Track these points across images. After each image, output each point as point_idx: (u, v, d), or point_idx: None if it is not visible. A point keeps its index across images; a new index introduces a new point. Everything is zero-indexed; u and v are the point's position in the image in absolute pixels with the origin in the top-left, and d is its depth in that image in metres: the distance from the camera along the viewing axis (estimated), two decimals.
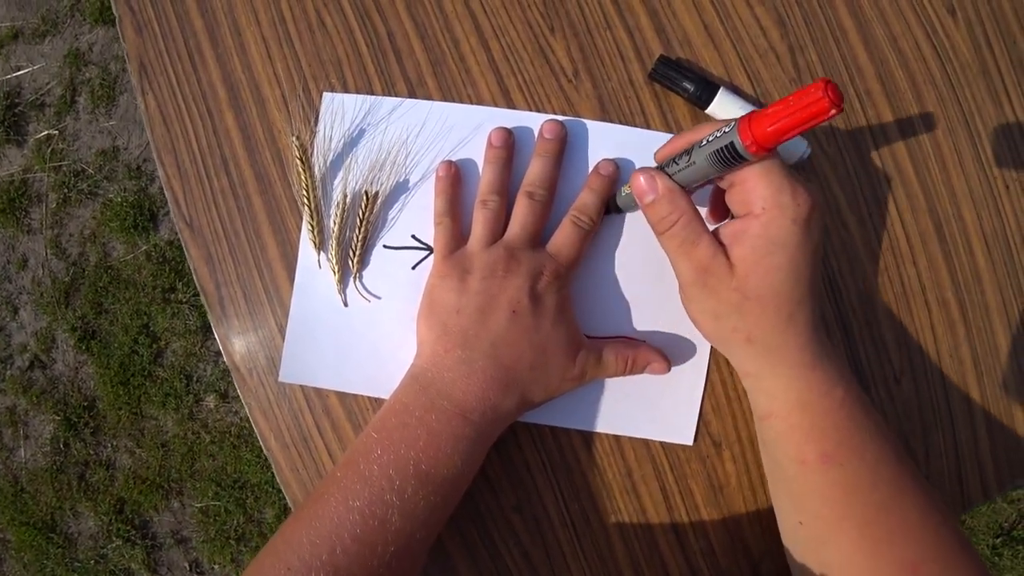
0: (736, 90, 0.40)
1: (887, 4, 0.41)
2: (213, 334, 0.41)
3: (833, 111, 0.26)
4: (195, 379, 1.25)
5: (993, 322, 0.41)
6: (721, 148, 0.29)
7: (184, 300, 1.25)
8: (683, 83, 0.39)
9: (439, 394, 0.35)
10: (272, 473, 0.41)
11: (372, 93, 0.41)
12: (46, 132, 1.27)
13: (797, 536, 0.35)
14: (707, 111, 0.40)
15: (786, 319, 0.32)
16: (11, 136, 1.27)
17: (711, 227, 0.33)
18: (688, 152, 0.32)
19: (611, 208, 0.39)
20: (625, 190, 0.37)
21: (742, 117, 0.29)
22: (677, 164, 0.32)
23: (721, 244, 0.33)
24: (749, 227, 0.31)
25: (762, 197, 0.31)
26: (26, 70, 1.28)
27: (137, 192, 1.25)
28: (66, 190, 1.26)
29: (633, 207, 0.37)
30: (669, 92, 0.40)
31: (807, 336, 0.33)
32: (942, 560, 0.31)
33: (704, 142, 0.31)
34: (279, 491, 1.21)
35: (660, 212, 0.33)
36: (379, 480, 0.34)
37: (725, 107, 0.39)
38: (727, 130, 0.29)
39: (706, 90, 0.39)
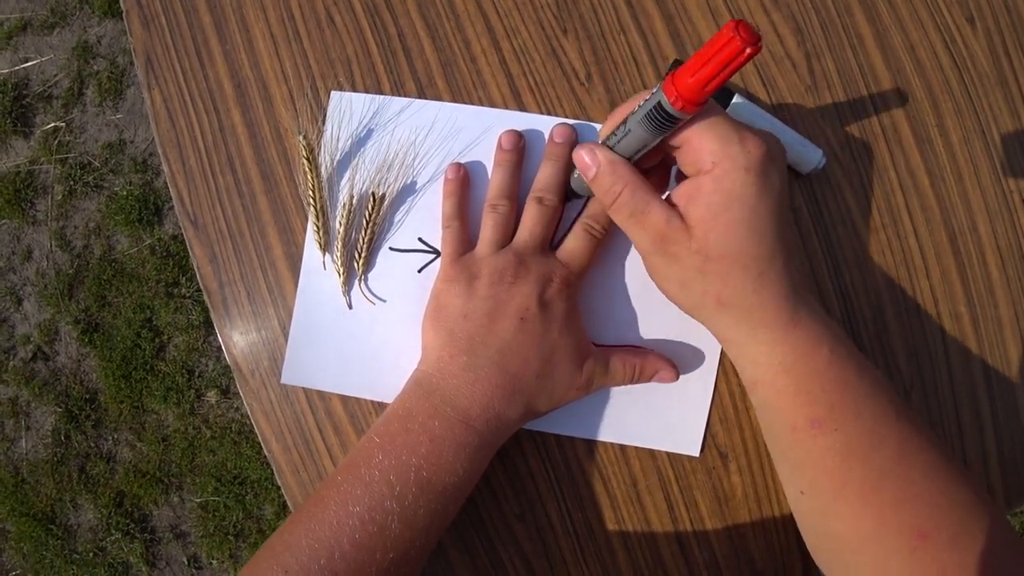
0: (751, 97, 0.40)
1: (906, 12, 0.40)
2: (215, 330, 0.41)
3: (748, 50, 0.24)
4: (197, 374, 1.25)
5: (1005, 337, 0.40)
6: (651, 111, 0.28)
7: (187, 295, 1.24)
8: None
9: (443, 400, 0.34)
10: (272, 470, 0.40)
11: (381, 92, 0.41)
12: (53, 124, 1.27)
13: (801, 506, 0.34)
14: None
15: (756, 277, 0.30)
16: (18, 127, 1.27)
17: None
18: (625, 122, 0.31)
19: (569, 195, 0.38)
20: (576, 172, 0.36)
21: (666, 75, 0.28)
22: (616, 136, 0.31)
23: (675, 208, 0.31)
24: (702, 184, 0.29)
25: (710, 151, 0.29)
26: (34, 62, 1.28)
27: (142, 186, 1.25)
28: (72, 182, 1.26)
29: (588, 190, 0.36)
30: None
31: (784, 294, 0.31)
32: (954, 525, 0.30)
33: (636, 109, 0.30)
34: (279, 488, 1.20)
35: (604, 185, 0.32)
36: (380, 486, 0.33)
37: (739, 114, 0.38)
38: (655, 91, 0.28)
39: (720, 97, 0.38)
